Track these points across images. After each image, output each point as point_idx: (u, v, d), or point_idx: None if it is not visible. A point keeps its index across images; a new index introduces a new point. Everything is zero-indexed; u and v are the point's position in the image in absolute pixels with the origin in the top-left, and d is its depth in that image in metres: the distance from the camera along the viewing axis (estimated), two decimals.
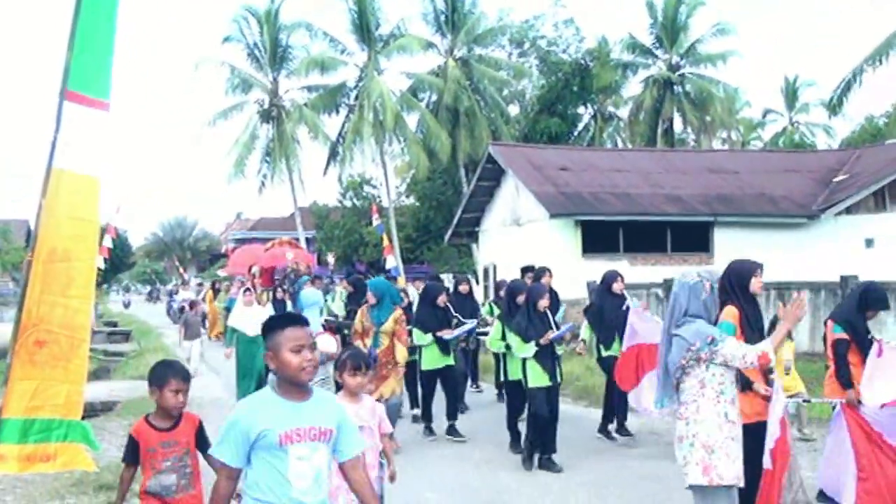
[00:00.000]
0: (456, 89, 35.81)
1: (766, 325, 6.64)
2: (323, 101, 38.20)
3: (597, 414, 11.11)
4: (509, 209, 25.99)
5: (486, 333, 11.62)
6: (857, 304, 6.93)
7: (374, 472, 5.16)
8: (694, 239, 23.50)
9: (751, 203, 24.40)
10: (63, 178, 4.58)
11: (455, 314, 10.73)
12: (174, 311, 33.02)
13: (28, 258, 4.56)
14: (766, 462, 5.48)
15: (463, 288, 12.18)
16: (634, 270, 21.73)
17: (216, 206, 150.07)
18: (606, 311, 9.75)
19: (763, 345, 4.99)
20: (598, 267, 21.37)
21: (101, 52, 4.69)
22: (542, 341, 8.39)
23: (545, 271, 11.00)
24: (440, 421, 10.30)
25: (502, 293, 11.17)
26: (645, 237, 23.11)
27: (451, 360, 10.36)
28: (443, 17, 37.72)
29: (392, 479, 5.44)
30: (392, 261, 21.59)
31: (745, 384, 5.63)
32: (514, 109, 41.24)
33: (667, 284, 17.63)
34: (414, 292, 14.08)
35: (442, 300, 10.41)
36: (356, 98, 37.02)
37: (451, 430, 10.14)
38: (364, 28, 36.52)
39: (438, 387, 10.39)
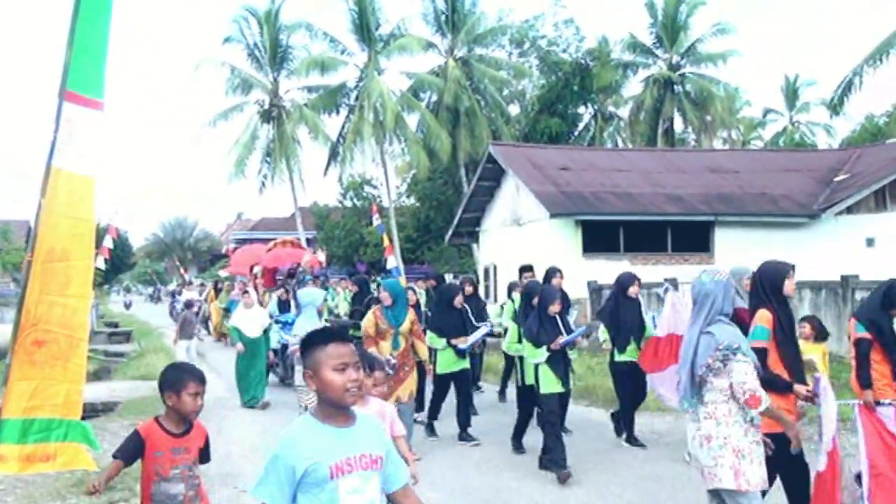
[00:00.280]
0: (456, 89, 35.84)
1: None
2: (323, 101, 38.21)
3: (598, 413, 11.12)
4: (510, 209, 26.00)
5: (491, 334, 11.46)
6: (881, 303, 6.85)
7: None
8: (694, 238, 23.49)
9: (751, 202, 24.39)
10: (61, 177, 4.59)
11: (470, 317, 10.47)
12: (177, 312, 33.01)
13: (28, 258, 4.56)
14: (821, 464, 5.41)
15: (468, 290, 11.77)
16: (635, 270, 21.53)
17: (216, 207, 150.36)
18: (622, 314, 9.44)
19: (766, 398, 4.81)
20: (598, 266, 21.60)
21: (96, 52, 4.70)
22: (552, 346, 8.12)
23: (556, 272, 10.58)
24: (442, 423, 10.28)
25: (514, 295, 11.16)
26: (645, 237, 23.11)
27: (466, 364, 10.13)
28: (443, 17, 37.76)
29: (415, 481, 5.24)
30: (393, 261, 21.50)
31: (784, 386, 5.47)
32: (514, 109, 41.26)
33: (670, 283, 17.63)
34: (419, 291, 14.03)
35: (458, 301, 10.13)
36: (356, 98, 37.04)
37: (465, 436, 9.87)
38: (364, 28, 36.53)
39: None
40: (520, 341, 8.86)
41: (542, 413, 8.40)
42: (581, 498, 7.47)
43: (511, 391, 11.29)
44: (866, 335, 6.70)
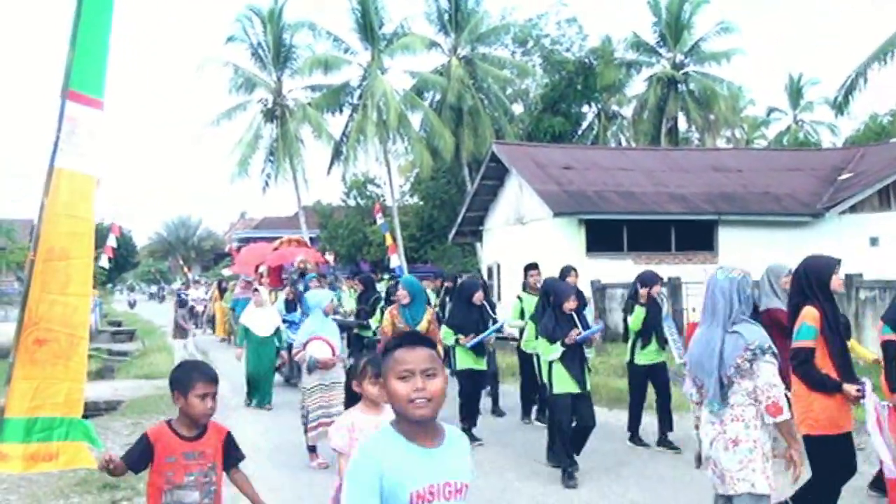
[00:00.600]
0: (459, 88, 35.83)
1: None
2: (326, 100, 38.22)
3: (601, 412, 11.04)
4: (513, 208, 25.99)
5: (500, 331, 11.16)
6: None
7: None
8: (698, 237, 23.47)
9: (755, 202, 24.37)
10: (62, 176, 4.60)
11: (492, 315, 10.21)
12: (186, 310, 33.07)
13: (31, 257, 4.57)
14: (892, 470, 5.31)
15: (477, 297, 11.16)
16: (638, 269, 21.54)
17: (219, 206, 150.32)
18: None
19: (787, 409, 4.64)
20: (602, 266, 21.58)
21: (97, 51, 4.71)
22: (567, 341, 7.87)
23: (570, 270, 10.39)
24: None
25: (522, 294, 10.97)
26: (649, 236, 23.09)
27: (483, 365, 9.86)
28: (446, 16, 37.74)
29: None
30: (396, 260, 21.53)
31: (834, 386, 5.30)
32: (517, 108, 41.24)
33: (671, 283, 17.64)
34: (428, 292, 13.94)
35: (478, 298, 9.84)
36: (360, 97, 37.04)
37: (469, 437, 9.72)
38: (367, 27, 36.54)
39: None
40: (537, 339, 8.65)
41: (550, 414, 8.18)
42: (584, 497, 7.47)
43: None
44: (893, 336, 6.58)
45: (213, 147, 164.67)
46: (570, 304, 8.09)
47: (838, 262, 5.68)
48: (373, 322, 12.66)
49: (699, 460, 5.10)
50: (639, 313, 9.07)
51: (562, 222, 22.61)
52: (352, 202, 44.21)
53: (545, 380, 8.27)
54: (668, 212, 23.36)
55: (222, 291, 25.80)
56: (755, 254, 18.81)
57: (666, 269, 20.67)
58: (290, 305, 14.53)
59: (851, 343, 7.84)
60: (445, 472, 2.65)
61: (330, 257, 16.66)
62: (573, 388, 7.94)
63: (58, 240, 4.59)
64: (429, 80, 37.00)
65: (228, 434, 4.20)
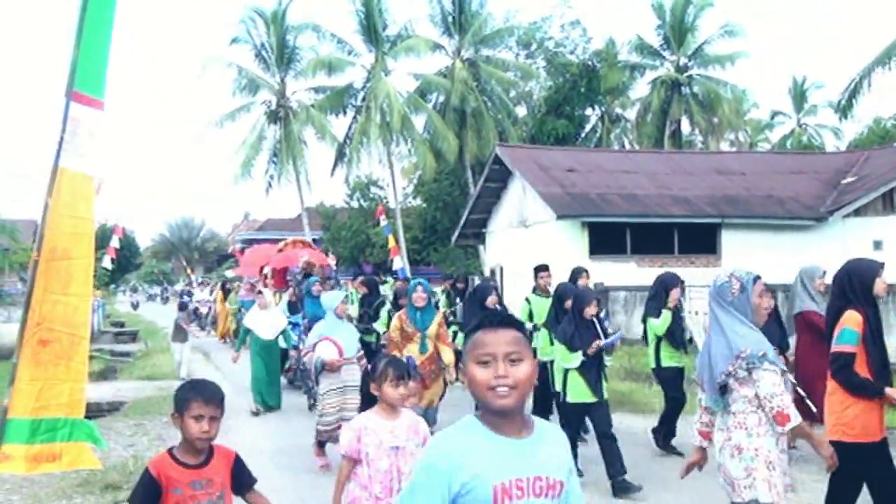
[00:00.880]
0: (463, 90, 35.86)
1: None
2: (330, 102, 38.27)
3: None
4: (516, 210, 25.99)
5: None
6: None
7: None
8: (701, 240, 23.46)
9: (758, 205, 24.35)
10: (64, 176, 4.61)
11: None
12: (189, 312, 33.08)
13: (34, 257, 4.58)
14: None
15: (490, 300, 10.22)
16: (641, 272, 21.72)
17: (222, 207, 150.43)
18: (658, 315, 8.85)
19: (796, 416, 4.51)
20: (605, 268, 21.55)
21: (99, 52, 4.72)
22: (589, 351, 7.53)
23: (582, 272, 10.06)
24: None
25: (531, 296, 10.65)
26: (652, 238, 23.08)
27: None
28: (450, 19, 37.78)
29: None
30: (399, 262, 21.56)
31: (874, 391, 5.18)
32: (521, 111, 41.25)
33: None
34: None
35: (491, 301, 9.51)
36: (363, 99, 37.08)
37: None
38: (371, 29, 36.59)
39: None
40: (552, 345, 8.34)
41: (562, 424, 7.70)
42: (586, 497, 7.43)
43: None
44: None
45: (216, 148, 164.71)
46: (591, 310, 7.77)
47: (882, 265, 5.56)
48: (379, 326, 12.26)
49: (687, 470, 5.04)
50: (667, 317, 8.80)
51: (565, 225, 22.60)
52: (355, 204, 44.27)
53: (559, 388, 7.95)
54: (672, 215, 23.35)
55: (226, 293, 25.76)
56: (758, 257, 18.83)
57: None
58: (294, 307, 14.37)
59: None
60: (536, 466, 2.37)
61: (332, 260, 16.54)
62: (588, 398, 7.64)
63: (60, 240, 4.59)
64: (432, 82, 37.04)
65: (237, 458, 3.85)
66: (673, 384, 8.95)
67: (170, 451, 3.70)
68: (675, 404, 8.96)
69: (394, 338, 8.78)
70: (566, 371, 7.71)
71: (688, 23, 39.78)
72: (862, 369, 5.27)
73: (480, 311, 9.33)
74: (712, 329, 4.81)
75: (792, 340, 8.30)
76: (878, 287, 5.45)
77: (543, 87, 40.35)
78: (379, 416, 4.53)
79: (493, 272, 27.16)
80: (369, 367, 4.80)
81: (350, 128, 38.16)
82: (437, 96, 37.97)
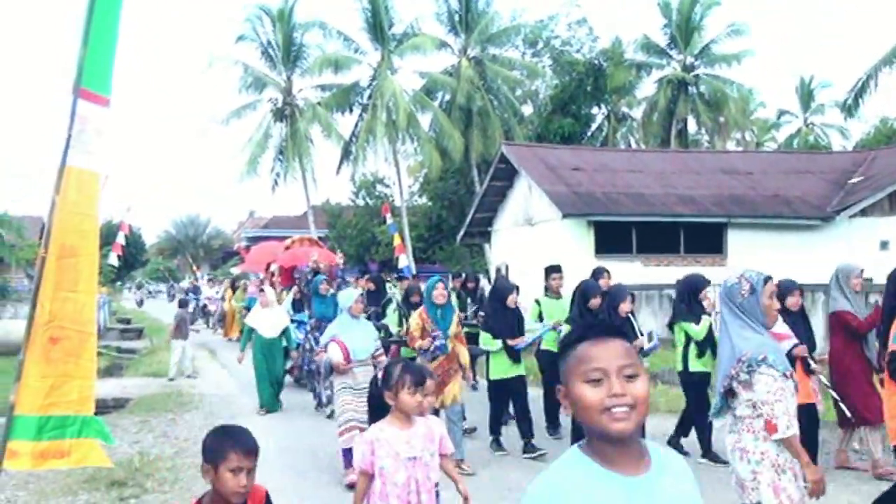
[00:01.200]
0: (469, 89, 35.84)
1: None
2: (336, 100, 38.28)
3: None
4: (522, 209, 25.98)
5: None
6: None
7: None
8: (707, 240, 23.43)
9: (765, 204, 24.31)
10: (71, 174, 4.62)
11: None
12: (197, 310, 33.22)
13: (42, 254, 4.59)
14: None
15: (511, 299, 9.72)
16: (647, 271, 21.71)
17: (226, 204, 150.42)
18: (698, 317, 8.49)
19: (787, 428, 4.42)
20: (610, 267, 21.32)
21: (105, 48, 4.73)
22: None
23: (603, 272, 9.79)
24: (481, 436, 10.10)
25: (541, 297, 10.45)
26: (658, 238, 23.06)
27: (521, 370, 9.27)
28: (456, 17, 37.78)
29: (466, 501, 4.51)
30: (404, 260, 21.54)
31: None
32: (527, 109, 41.22)
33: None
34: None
35: (512, 300, 9.29)
36: (369, 97, 37.09)
37: (529, 447, 9.00)
38: (377, 27, 36.59)
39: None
40: None
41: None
42: None
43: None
44: None
45: (221, 145, 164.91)
46: (626, 307, 7.58)
47: None
48: (391, 325, 11.89)
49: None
50: (706, 323, 8.51)
51: (571, 224, 22.59)
52: (360, 202, 44.29)
53: None
54: (678, 214, 23.32)
55: (235, 290, 25.72)
56: (764, 257, 18.80)
57: (675, 271, 20.63)
58: (298, 305, 14.31)
59: None
60: None
61: (340, 259, 16.47)
62: None
63: (68, 237, 4.61)
64: (438, 80, 37.03)
65: (267, 496, 3.50)
66: (698, 388, 8.69)
67: (199, 500, 3.35)
68: (696, 409, 8.65)
69: (415, 335, 8.60)
70: None
71: (694, 22, 39.72)
72: None
73: (502, 310, 9.27)
74: (721, 332, 4.81)
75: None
76: None
77: (549, 86, 40.32)
78: (393, 426, 4.25)
79: (498, 270, 27.15)
80: (380, 374, 4.45)
81: (356, 126, 38.18)
82: (443, 95, 37.95)
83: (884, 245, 22.86)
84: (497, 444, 9.34)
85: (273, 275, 18.33)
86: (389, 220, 23.25)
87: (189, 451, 9.62)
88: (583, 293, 8.46)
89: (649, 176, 25.60)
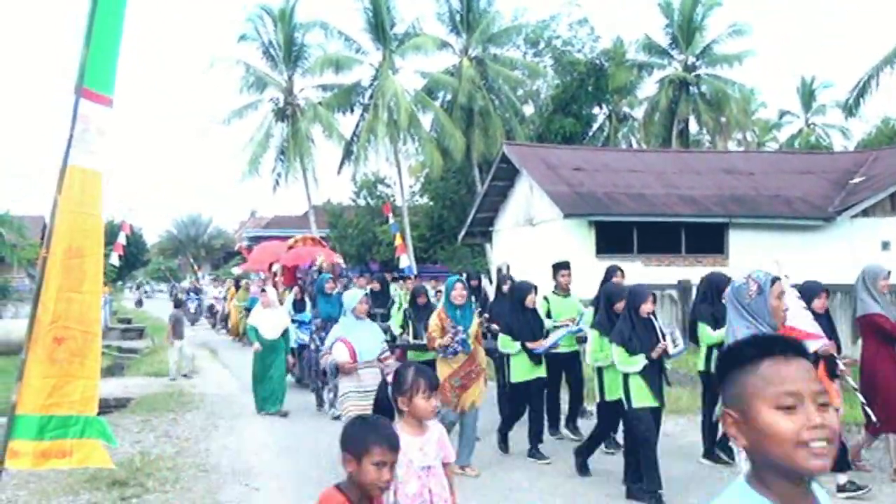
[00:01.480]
0: (470, 89, 35.86)
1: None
2: (337, 99, 38.32)
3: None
4: (523, 209, 25.98)
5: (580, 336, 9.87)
6: None
7: None
8: (708, 240, 23.43)
9: (766, 204, 24.30)
10: (75, 174, 4.62)
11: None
12: (199, 309, 33.29)
13: (43, 254, 4.59)
14: None
15: (529, 299, 9.50)
16: (648, 271, 21.70)
17: (229, 204, 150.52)
18: (718, 318, 8.13)
19: None
20: None
21: (108, 48, 4.73)
22: (653, 355, 7.07)
23: (616, 270, 9.54)
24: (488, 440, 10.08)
25: (549, 295, 10.16)
26: (659, 238, 23.06)
27: (542, 372, 9.03)
28: (458, 17, 37.81)
29: None
30: (405, 260, 21.58)
31: None
32: (528, 109, 41.24)
33: (681, 286, 17.60)
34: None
35: (531, 301, 9.08)
36: (371, 97, 37.11)
37: (535, 454, 8.88)
38: (379, 27, 36.61)
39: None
40: (602, 349, 7.91)
41: (632, 432, 7.32)
42: (591, 497, 7.45)
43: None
44: None
45: (223, 144, 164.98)
46: (647, 307, 7.29)
47: None
48: (394, 326, 11.70)
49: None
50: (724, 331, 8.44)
51: (572, 224, 22.59)
52: (362, 202, 44.29)
53: (615, 395, 7.55)
54: (679, 214, 23.32)
55: (238, 290, 25.69)
56: (765, 257, 18.76)
57: (676, 271, 20.67)
58: (299, 305, 14.24)
59: None
60: None
61: (339, 258, 16.39)
62: (653, 402, 7.18)
63: (74, 238, 4.61)
64: (440, 80, 37.04)
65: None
66: (715, 392, 8.18)
67: (338, 487, 3.29)
68: (710, 409, 8.40)
69: (434, 336, 8.36)
70: (626, 376, 7.22)
71: (696, 22, 39.67)
72: None
73: (520, 311, 9.05)
74: (727, 332, 4.78)
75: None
76: None
77: (551, 86, 40.35)
78: (405, 433, 3.89)
79: (499, 270, 27.15)
80: (389, 378, 4.15)
81: (357, 126, 38.21)
82: (445, 94, 37.96)
83: (885, 245, 22.83)
84: (504, 444, 9.26)
85: (276, 274, 18.30)
86: (392, 220, 23.28)
87: (190, 450, 9.63)
88: (608, 297, 8.16)
89: (650, 176, 25.59)
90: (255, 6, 39.06)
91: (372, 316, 10.22)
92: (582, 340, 9.65)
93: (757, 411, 1.69)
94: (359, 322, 8.10)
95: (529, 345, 8.83)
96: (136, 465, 8.56)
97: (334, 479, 8.60)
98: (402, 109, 34.37)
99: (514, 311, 9.17)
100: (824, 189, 25.34)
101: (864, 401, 7.39)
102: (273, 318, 12.49)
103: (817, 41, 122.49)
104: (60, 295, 4.55)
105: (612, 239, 22.73)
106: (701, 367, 8.68)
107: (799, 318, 6.93)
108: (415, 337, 10.34)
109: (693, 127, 41.70)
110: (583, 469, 8.11)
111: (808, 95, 53.47)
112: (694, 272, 20.34)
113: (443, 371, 8.13)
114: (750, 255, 20.44)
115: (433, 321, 8.49)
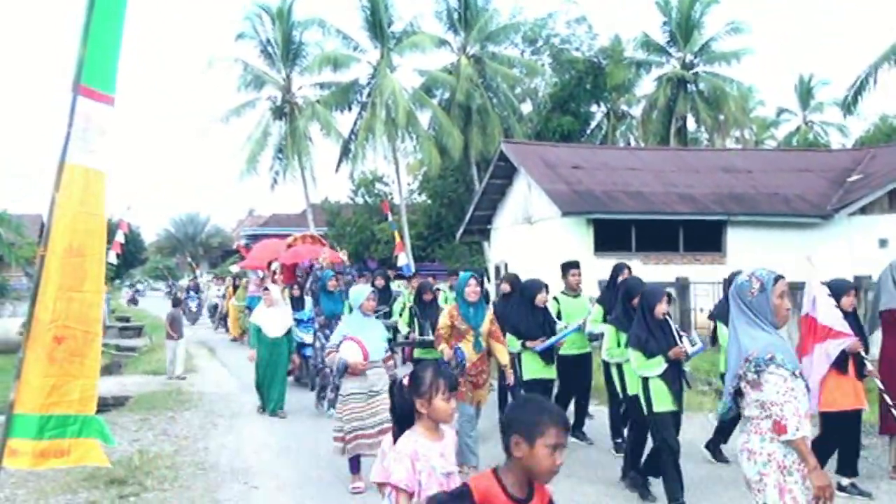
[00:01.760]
0: (468, 87, 35.84)
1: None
2: (335, 98, 38.30)
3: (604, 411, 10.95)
4: (521, 207, 25.96)
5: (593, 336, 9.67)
6: None
7: None
8: (707, 238, 23.41)
9: (764, 202, 24.29)
10: (75, 172, 4.60)
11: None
12: (199, 308, 33.27)
13: (41, 253, 4.58)
14: None
15: (540, 298, 9.18)
16: (646, 269, 21.63)
17: (227, 202, 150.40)
18: None
19: (797, 429, 4.32)
20: (609, 266, 21.33)
21: (109, 47, 4.71)
22: (671, 356, 6.92)
23: (624, 268, 9.32)
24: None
25: (558, 295, 9.98)
26: (657, 236, 23.04)
27: (552, 374, 8.96)
28: (456, 15, 37.79)
29: None
30: (403, 258, 21.55)
31: None
32: (526, 107, 41.22)
33: (679, 284, 17.62)
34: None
35: (541, 300, 8.93)
36: (369, 95, 37.09)
37: None
38: (377, 25, 36.59)
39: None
40: (619, 345, 7.83)
41: (654, 437, 7.16)
42: (591, 497, 7.44)
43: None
44: None
45: (221, 143, 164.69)
46: (662, 308, 7.12)
47: None
48: (400, 324, 11.55)
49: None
50: (556, 306, 8.29)
51: (570, 222, 22.57)
52: (360, 200, 44.28)
53: (634, 390, 7.43)
54: (677, 212, 23.30)
55: (236, 289, 25.62)
56: (764, 255, 18.77)
57: (674, 269, 20.66)
58: (297, 303, 14.08)
59: None
60: None
61: (343, 255, 16.34)
62: (673, 406, 7.01)
63: (75, 237, 4.60)
64: (438, 78, 37.03)
65: (551, 501, 3.25)
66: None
67: (495, 472, 3.11)
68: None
69: (443, 335, 8.18)
70: (645, 379, 7.04)
71: (694, 20, 39.63)
72: None
73: (530, 310, 8.90)
74: (729, 331, 4.75)
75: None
76: None
77: (549, 84, 40.33)
78: (425, 438, 3.73)
79: (497, 269, 27.14)
80: (405, 378, 3.92)
81: (355, 124, 38.18)
82: (443, 93, 37.95)
83: (883, 243, 22.81)
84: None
85: (275, 273, 18.26)
86: (390, 219, 23.25)
87: (189, 449, 9.62)
88: (627, 292, 7.91)
89: (649, 174, 25.58)
90: (253, 4, 39.05)
91: (375, 314, 10.12)
92: (593, 339, 9.52)
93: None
94: (366, 319, 7.94)
95: (528, 343, 8.72)
96: (135, 463, 8.56)
97: (334, 478, 8.58)
98: (400, 107, 34.35)
99: (523, 310, 9.00)
100: (822, 187, 25.33)
101: (891, 403, 7.24)
102: (277, 316, 12.35)
103: (815, 39, 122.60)
104: (61, 294, 4.54)
105: (610, 237, 22.71)
106: (721, 368, 8.40)
107: (830, 317, 6.92)
108: (421, 334, 10.29)
109: (691, 125, 41.70)
110: (644, 492, 7.48)
111: (806, 93, 53.48)
112: (692, 270, 20.38)
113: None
114: (748, 253, 20.46)
115: (443, 319, 8.32)
